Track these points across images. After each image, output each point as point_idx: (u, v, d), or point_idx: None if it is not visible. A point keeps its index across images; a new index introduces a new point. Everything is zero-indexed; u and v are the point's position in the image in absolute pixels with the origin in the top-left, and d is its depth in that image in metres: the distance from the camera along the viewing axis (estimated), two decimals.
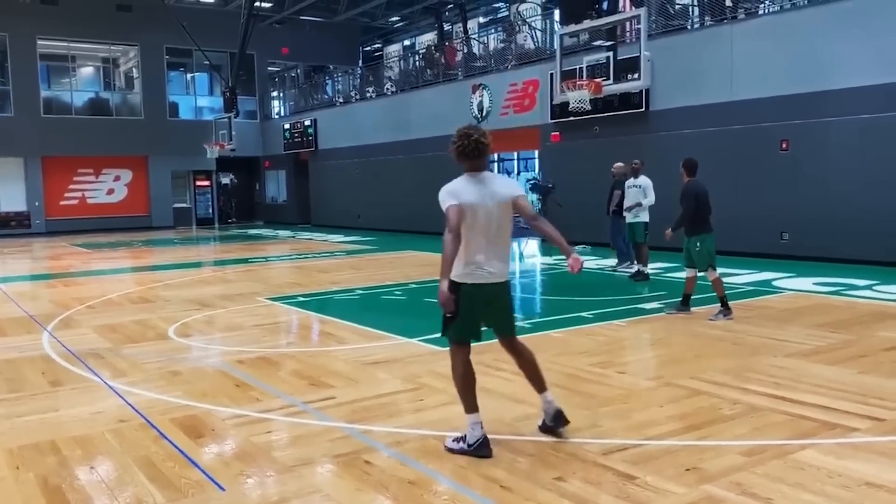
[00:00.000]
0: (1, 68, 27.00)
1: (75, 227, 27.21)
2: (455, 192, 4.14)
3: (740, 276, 11.17)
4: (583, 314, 8.36)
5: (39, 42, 26.98)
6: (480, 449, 4.14)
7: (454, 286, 4.13)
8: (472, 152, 4.22)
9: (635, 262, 11.48)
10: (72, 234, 25.95)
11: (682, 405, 5.01)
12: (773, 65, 13.19)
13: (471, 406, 4.23)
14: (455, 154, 4.25)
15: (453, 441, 4.27)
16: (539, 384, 4.44)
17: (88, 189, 28.48)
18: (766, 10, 14.46)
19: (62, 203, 27.89)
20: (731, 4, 14.52)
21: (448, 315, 4.17)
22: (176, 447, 4.43)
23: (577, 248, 15.87)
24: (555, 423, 4.40)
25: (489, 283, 4.21)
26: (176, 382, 5.95)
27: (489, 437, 4.16)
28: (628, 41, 15.52)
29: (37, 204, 27.18)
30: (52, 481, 3.97)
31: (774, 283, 10.53)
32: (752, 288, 10.13)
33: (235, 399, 5.43)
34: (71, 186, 28.15)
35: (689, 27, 15.50)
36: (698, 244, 7.96)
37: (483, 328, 4.35)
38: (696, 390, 5.34)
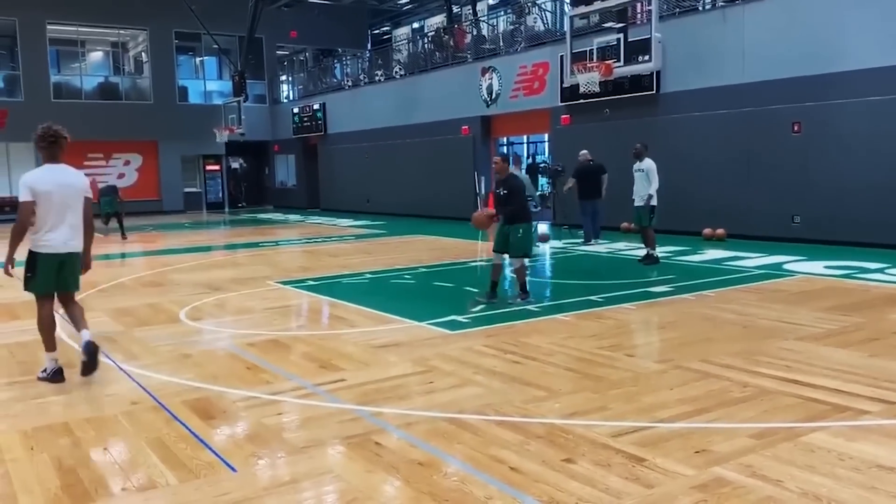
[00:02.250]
0: (11, 53, 27.05)
1: None
2: (35, 181, 5.27)
3: (751, 260, 11.12)
4: (592, 298, 8.34)
5: (49, 27, 26.97)
6: (56, 376, 5.44)
7: (33, 255, 5.34)
8: (53, 146, 5.41)
9: (593, 240, 13.37)
10: None
11: (691, 388, 5.01)
12: (785, 46, 13.05)
13: (51, 346, 5.51)
14: (42, 147, 5.44)
15: (41, 373, 5.53)
16: (79, 325, 5.52)
17: (99, 174, 28.55)
18: None
19: None
20: None
21: (28, 275, 5.39)
22: (188, 429, 4.47)
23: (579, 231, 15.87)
24: (88, 358, 5.36)
25: (63, 252, 5.37)
26: (187, 365, 5.99)
27: (485, 417, 4.17)
28: (639, 22, 15.37)
29: None
30: (67, 462, 4.01)
31: (785, 266, 10.48)
32: (763, 271, 10.09)
33: (246, 381, 5.47)
34: (81, 171, 28.17)
35: (700, 8, 15.35)
36: (521, 231, 8.11)
37: None
38: (706, 373, 5.33)
